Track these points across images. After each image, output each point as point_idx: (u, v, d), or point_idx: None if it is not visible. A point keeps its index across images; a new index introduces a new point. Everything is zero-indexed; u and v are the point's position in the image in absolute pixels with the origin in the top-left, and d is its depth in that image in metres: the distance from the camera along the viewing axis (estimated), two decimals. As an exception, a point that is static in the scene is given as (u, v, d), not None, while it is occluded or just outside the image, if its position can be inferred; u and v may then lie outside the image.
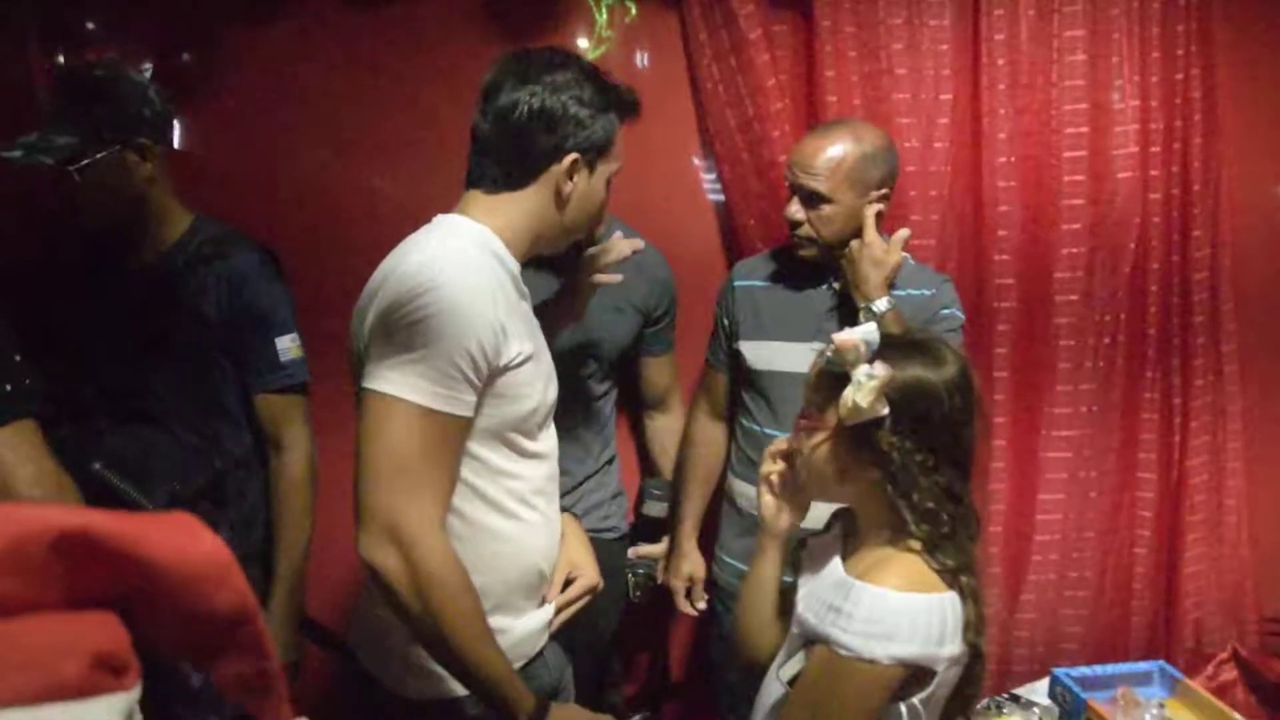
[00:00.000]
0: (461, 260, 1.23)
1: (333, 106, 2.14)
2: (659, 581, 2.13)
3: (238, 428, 1.80)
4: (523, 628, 1.37)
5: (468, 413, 1.22)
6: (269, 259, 1.81)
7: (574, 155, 1.31)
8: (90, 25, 2.08)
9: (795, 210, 1.86)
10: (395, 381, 1.18)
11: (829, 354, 1.23)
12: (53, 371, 1.77)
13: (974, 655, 1.23)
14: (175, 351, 1.75)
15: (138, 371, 1.74)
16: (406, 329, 1.18)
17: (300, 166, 2.16)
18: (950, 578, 1.21)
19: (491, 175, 1.32)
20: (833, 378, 1.23)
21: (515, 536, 1.33)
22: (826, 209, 1.83)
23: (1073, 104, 2.14)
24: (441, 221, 1.33)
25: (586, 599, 1.47)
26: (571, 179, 1.32)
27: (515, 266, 1.33)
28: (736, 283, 2.02)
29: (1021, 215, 2.18)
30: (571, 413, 1.83)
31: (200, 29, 2.12)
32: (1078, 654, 2.29)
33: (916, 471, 1.21)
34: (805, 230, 1.86)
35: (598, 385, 2.01)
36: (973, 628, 1.21)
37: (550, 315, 1.59)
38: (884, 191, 1.86)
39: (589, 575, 1.48)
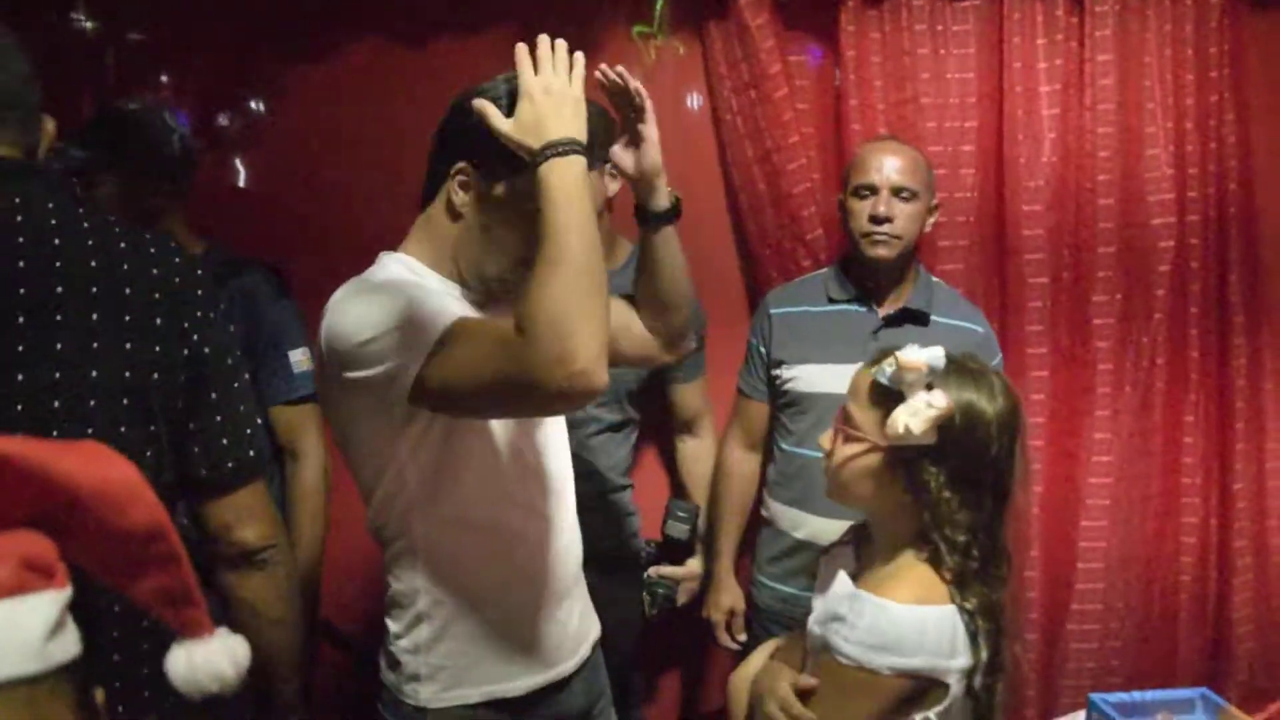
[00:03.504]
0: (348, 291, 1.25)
1: (376, 142, 2.23)
2: (678, 604, 2.13)
3: None
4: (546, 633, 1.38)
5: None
6: (277, 278, 1.90)
7: (461, 163, 1.24)
8: (142, 66, 2.23)
9: (883, 207, 1.89)
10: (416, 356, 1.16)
11: (888, 369, 1.20)
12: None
13: (984, 699, 1.21)
14: None
15: None
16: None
17: (347, 199, 2.26)
18: (968, 616, 1.19)
19: (423, 193, 1.31)
20: (885, 392, 1.21)
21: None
22: (913, 206, 1.91)
23: (1104, 127, 2.15)
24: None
25: None
26: (464, 190, 1.25)
27: (443, 284, 1.29)
28: (773, 310, 2.05)
29: (1051, 240, 2.18)
30: (576, 439, 1.81)
31: (249, 69, 2.25)
32: (1124, 685, 2.24)
33: (955, 506, 1.20)
34: (895, 227, 1.90)
35: (609, 414, 2.02)
36: (981, 669, 1.20)
37: None
38: (936, 201, 1.98)
39: None
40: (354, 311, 1.20)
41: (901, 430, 1.17)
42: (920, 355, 1.18)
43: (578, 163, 1.11)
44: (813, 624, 1.29)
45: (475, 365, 1.10)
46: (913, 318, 1.96)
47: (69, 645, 0.52)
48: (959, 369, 1.23)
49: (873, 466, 1.24)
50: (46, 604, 0.51)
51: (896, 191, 1.90)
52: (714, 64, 2.22)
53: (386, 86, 2.22)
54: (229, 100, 2.28)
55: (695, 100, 2.30)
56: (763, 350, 2.06)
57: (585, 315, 1.05)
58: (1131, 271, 2.20)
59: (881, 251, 1.91)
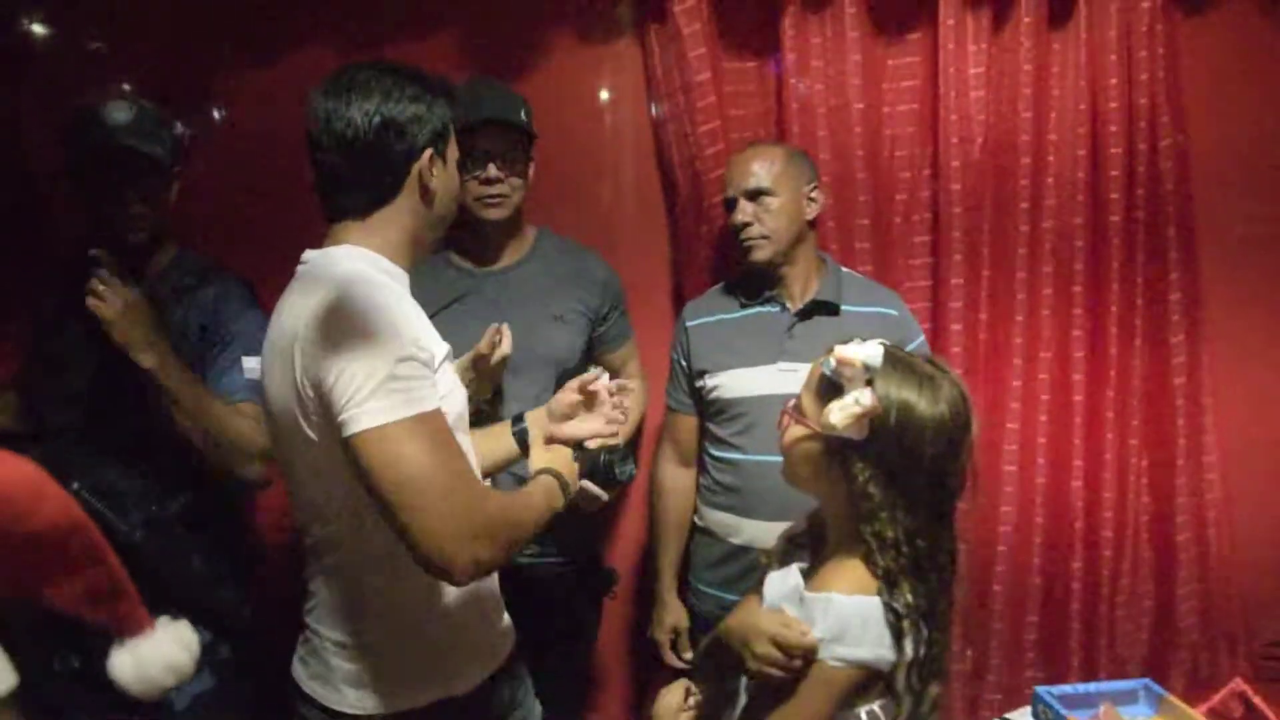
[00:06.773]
0: (366, 278, 1.26)
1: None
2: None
3: None
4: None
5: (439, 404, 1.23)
6: (245, 287, 1.88)
7: (428, 151, 1.33)
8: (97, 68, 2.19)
9: (740, 215, 1.95)
10: (378, 410, 1.15)
11: (831, 361, 1.23)
12: (39, 391, 1.87)
13: (915, 699, 1.21)
14: None
15: (120, 395, 1.76)
16: (350, 345, 1.18)
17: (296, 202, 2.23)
18: (892, 613, 1.20)
19: (357, 201, 1.33)
20: (829, 384, 1.24)
21: None
22: (773, 201, 1.94)
23: (1025, 135, 2.18)
24: (318, 259, 1.33)
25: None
26: (433, 173, 1.35)
27: (405, 277, 1.36)
28: (689, 323, 2.07)
29: (977, 237, 2.22)
30: None
31: (200, 72, 2.24)
32: (1075, 676, 2.27)
33: (882, 503, 1.21)
34: (757, 229, 1.94)
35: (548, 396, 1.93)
36: (916, 670, 1.20)
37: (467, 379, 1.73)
38: (815, 185, 2.00)
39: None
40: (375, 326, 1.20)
41: (831, 421, 1.20)
42: (857, 351, 1.21)
43: None
44: None
45: (421, 477, 1.14)
46: (823, 309, 1.97)
47: (6, 676, 0.51)
48: (906, 368, 1.23)
49: (812, 453, 1.26)
50: None
51: (752, 196, 1.95)
52: (652, 70, 2.24)
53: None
54: (185, 104, 2.24)
55: (639, 106, 2.32)
56: (684, 363, 2.08)
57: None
58: (1063, 257, 2.22)
59: (756, 255, 1.96)
